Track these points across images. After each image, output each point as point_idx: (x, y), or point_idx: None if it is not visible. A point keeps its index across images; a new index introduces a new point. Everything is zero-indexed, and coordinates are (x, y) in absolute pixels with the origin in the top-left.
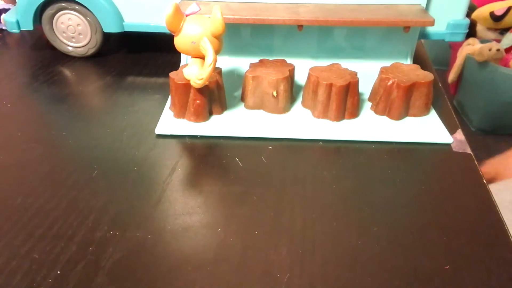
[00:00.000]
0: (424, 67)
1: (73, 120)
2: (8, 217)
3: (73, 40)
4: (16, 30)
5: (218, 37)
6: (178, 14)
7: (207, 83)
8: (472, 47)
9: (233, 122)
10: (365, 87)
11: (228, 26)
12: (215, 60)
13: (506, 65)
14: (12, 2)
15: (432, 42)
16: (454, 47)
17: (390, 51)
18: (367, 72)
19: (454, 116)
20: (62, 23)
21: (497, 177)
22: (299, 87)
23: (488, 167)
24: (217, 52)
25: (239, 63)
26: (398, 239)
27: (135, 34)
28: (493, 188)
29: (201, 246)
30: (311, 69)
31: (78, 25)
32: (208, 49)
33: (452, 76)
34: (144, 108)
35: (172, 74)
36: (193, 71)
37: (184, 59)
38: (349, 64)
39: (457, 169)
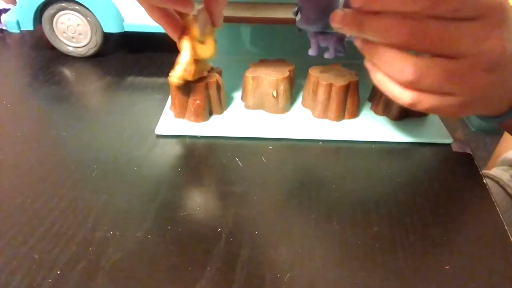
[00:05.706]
0: None
1: (73, 120)
2: (8, 217)
3: (73, 40)
4: (16, 30)
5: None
6: None
7: (181, 82)
8: None
9: (233, 122)
10: (365, 87)
11: (228, 26)
12: (188, 62)
13: None
14: (12, 2)
15: None
16: None
17: None
18: (367, 72)
19: None
20: (62, 23)
21: None
22: (299, 87)
23: None
24: (211, 53)
25: (239, 63)
26: (398, 239)
27: (135, 34)
28: None
29: (201, 246)
30: (311, 69)
31: (78, 25)
32: (184, 49)
33: None
34: (144, 108)
35: None
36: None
37: None
38: (349, 64)
39: (457, 169)
